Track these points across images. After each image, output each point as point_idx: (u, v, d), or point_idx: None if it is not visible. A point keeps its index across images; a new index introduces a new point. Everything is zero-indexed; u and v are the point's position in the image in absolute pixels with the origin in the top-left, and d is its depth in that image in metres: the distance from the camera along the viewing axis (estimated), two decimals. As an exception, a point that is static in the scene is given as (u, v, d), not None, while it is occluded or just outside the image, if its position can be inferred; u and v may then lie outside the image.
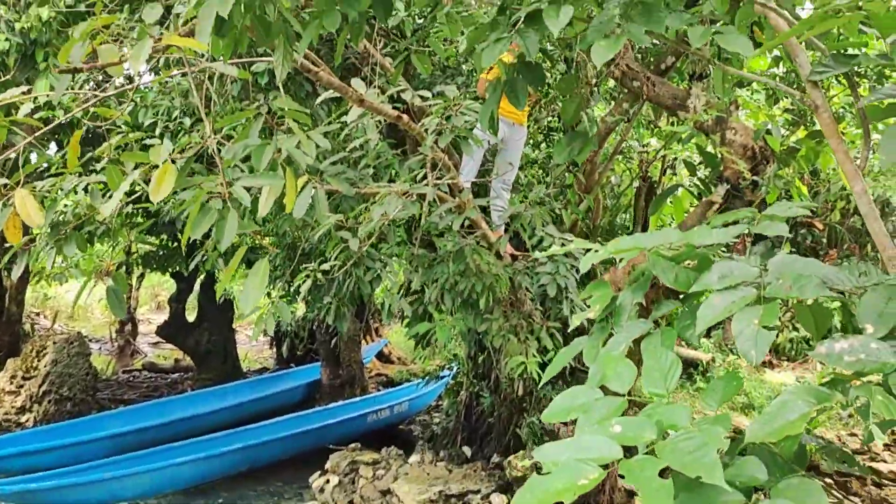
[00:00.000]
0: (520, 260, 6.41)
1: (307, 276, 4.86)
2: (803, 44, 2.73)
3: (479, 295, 5.64)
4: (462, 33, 3.38)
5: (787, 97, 6.99)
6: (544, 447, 1.32)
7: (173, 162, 2.29)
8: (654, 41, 1.96)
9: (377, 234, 4.61)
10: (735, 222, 1.75)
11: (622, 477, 1.26)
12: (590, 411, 1.41)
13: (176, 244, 12.70)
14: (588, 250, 1.83)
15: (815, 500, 1.23)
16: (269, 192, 2.50)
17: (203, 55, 4.49)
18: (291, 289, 7.76)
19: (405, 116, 4.69)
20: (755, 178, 6.72)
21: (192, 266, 5.82)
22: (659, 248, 1.67)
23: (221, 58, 3.10)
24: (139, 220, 9.20)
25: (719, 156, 6.98)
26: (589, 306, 1.96)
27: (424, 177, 4.87)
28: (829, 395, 1.25)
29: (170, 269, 13.09)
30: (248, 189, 2.41)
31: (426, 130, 4.52)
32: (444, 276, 5.78)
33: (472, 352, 8.82)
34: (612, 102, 8.42)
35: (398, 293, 6.04)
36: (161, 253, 13.12)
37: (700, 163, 7.81)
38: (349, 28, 2.54)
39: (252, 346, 18.28)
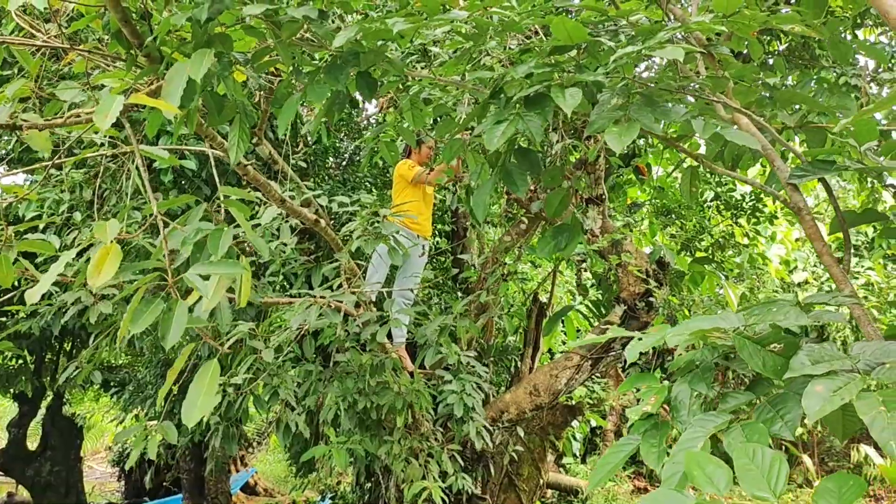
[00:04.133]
0: (420, 378, 6.16)
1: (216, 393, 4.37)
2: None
3: (385, 411, 5.30)
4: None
5: (674, 223, 7.37)
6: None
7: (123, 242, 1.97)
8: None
9: (290, 345, 4.26)
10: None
11: None
12: (692, 520, 1.20)
13: (21, 361, 11.45)
14: (630, 338, 1.68)
15: None
16: (218, 283, 2.20)
17: (107, 141, 4.14)
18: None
19: (322, 221, 4.50)
20: (650, 299, 6.93)
21: (62, 380, 5.14)
22: (715, 331, 1.54)
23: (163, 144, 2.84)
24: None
25: (612, 278, 7.18)
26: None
27: (339, 286, 4.62)
28: None
29: (12, 391, 11.70)
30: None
31: (347, 236, 4.33)
32: (341, 394, 5.43)
33: (361, 478, 8.29)
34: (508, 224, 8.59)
35: (296, 412, 5.57)
36: (1, 372, 11.76)
37: (593, 285, 8.01)
38: (329, 105, 2.36)
39: (97, 478, 16.53)
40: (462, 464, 6.34)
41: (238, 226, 2.63)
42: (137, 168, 2.98)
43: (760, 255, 8.39)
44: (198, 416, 2.03)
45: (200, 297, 2.28)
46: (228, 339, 4.04)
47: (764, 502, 1.19)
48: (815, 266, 13.60)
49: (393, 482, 7.60)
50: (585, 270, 7.54)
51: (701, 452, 1.37)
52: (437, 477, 5.89)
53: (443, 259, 9.10)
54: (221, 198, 2.72)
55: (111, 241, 1.90)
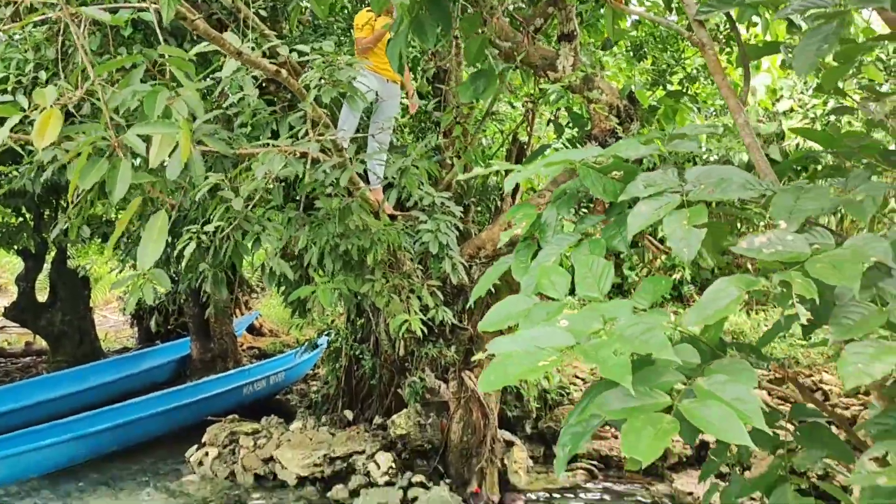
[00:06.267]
0: (399, 219, 6.44)
1: (189, 239, 4.65)
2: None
3: (366, 251, 5.61)
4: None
5: (648, 58, 7.36)
6: (497, 340, 1.36)
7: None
8: None
9: (260, 193, 4.48)
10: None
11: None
12: (530, 316, 1.47)
13: (22, 219, 11.78)
14: (511, 171, 1.89)
15: (746, 374, 1.35)
16: (161, 142, 2.37)
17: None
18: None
19: (284, 71, 4.57)
20: (620, 136, 7.06)
21: (53, 236, 5.42)
22: (586, 161, 1.75)
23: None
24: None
25: (586, 115, 7.27)
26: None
27: (305, 134, 4.77)
28: (756, 280, 1.36)
29: (15, 247, 12.11)
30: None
31: (307, 86, 4.42)
32: (324, 237, 5.71)
33: (352, 316, 8.80)
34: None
35: (278, 256, 5.88)
36: (3, 230, 12.11)
37: (567, 123, 8.11)
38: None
39: (111, 327, 17.35)
40: (443, 298, 6.74)
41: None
42: (83, 33, 3.09)
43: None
44: (150, 261, 2.28)
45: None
46: (198, 191, 4.25)
47: (592, 301, 1.44)
48: (801, 94, 13.53)
49: (382, 318, 8.10)
50: (536, 111, 7.59)
51: (552, 265, 1.61)
52: (418, 310, 6.29)
53: (425, 102, 9.12)
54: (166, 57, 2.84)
55: (51, 106, 2.07)
